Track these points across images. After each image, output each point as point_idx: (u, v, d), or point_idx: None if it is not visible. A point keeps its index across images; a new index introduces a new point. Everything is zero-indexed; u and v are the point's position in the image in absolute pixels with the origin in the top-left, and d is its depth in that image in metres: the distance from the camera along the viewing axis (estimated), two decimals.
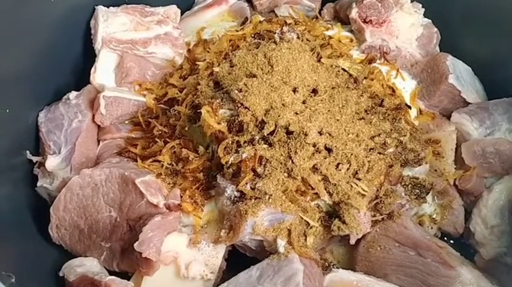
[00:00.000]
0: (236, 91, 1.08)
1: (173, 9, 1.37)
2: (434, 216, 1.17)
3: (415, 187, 1.13)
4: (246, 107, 1.06)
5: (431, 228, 1.17)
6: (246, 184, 1.03)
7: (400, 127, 1.14)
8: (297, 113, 1.07)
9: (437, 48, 1.37)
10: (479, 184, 1.18)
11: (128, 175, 1.09)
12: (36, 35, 1.20)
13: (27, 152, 1.19)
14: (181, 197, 1.10)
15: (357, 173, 1.05)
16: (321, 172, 1.03)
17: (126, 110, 1.25)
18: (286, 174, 1.03)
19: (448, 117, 1.27)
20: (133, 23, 1.30)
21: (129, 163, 1.16)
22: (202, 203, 1.10)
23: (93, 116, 1.22)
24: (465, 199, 1.20)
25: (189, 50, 1.37)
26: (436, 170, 1.19)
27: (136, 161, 1.17)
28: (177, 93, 1.24)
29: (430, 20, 1.38)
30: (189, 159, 1.13)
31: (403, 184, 1.12)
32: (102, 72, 1.27)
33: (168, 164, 1.15)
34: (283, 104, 1.07)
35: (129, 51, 1.28)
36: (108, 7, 1.32)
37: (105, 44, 1.27)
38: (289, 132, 1.05)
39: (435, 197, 1.18)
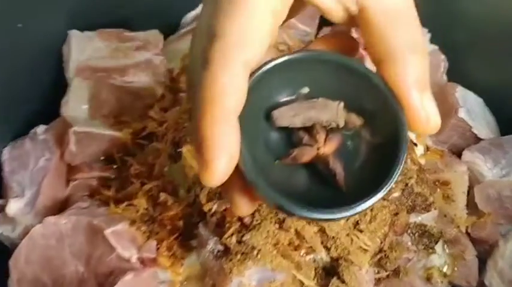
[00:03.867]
0: None
1: (155, 35, 1.26)
2: (444, 268, 1.04)
3: (423, 236, 1.00)
4: None
5: (442, 282, 1.03)
6: (232, 236, 0.91)
7: (405, 168, 1.02)
8: None
9: (445, 77, 1.27)
10: (494, 231, 1.06)
11: (97, 223, 0.97)
12: (1, 64, 1.09)
13: None
14: (157, 248, 0.98)
15: (357, 223, 0.93)
16: (317, 223, 0.91)
17: (100, 146, 1.12)
18: (277, 225, 0.90)
19: (458, 154, 1.15)
20: (109, 49, 1.20)
21: (100, 208, 1.04)
22: (181, 256, 0.97)
23: (62, 153, 1.10)
24: (478, 248, 1.07)
25: (172, 79, 1.26)
26: (445, 216, 1.06)
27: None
28: (156, 128, 1.13)
29: (436, 47, 1.28)
30: (167, 204, 1.01)
31: (409, 232, 1.00)
32: (75, 104, 1.16)
33: (144, 209, 1.03)
34: None
35: (105, 80, 1.17)
36: (82, 31, 1.21)
37: (78, 73, 1.16)
38: None
39: (445, 246, 1.05)
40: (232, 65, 0.54)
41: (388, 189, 0.58)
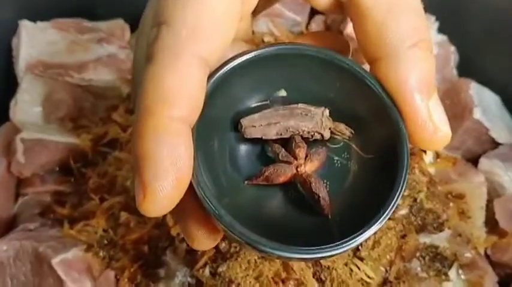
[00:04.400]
0: None
1: (119, 24, 1.10)
2: None
3: (435, 260, 0.85)
4: None
5: None
6: (204, 266, 0.76)
7: (413, 180, 0.87)
8: None
9: (455, 72, 1.11)
10: None
11: (43, 251, 0.81)
12: None
13: None
14: (117, 279, 0.83)
15: (358, 250, 0.78)
16: None
17: (54, 155, 0.96)
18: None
19: (473, 162, 0.99)
20: (66, 41, 1.04)
21: (51, 230, 0.88)
22: None
23: (10, 164, 0.95)
24: (499, 271, 0.92)
25: None
26: (460, 235, 0.90)
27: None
28: (119, 133, 0.97)
29: (445, 37, 1.13)
30: (130, 225, 0.85)
31: (418, 255, 0.85)
32: (25, 106, 1.00)
33: (103, 230, 0.87)
34: None
35: (61, 78, 1.02)
36: (34, 22, 1.05)
37: (29, 69, 1.01)
38: None
39: (460, 271, 0.90)
40: (182, 61, 0.41)
41: (386, 219, 0.44)
